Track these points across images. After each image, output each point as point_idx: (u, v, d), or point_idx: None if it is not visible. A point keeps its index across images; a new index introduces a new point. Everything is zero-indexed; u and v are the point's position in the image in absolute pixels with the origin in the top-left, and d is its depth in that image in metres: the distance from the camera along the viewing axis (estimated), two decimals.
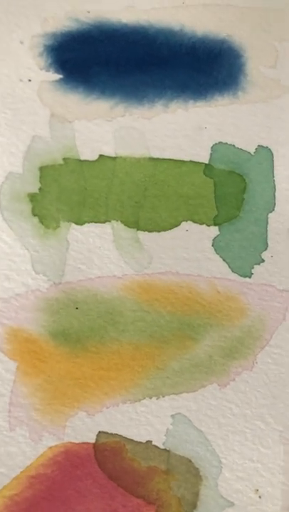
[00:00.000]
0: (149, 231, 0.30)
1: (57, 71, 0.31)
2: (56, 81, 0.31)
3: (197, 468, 0.28)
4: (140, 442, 0.28)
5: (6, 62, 0.31)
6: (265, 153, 0.31)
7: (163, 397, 0.28)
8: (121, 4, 0.32)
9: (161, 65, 0.32)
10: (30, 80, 0.31)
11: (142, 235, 0.30)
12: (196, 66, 0.32)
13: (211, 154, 0.31)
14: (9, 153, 0.30)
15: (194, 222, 0.30)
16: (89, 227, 0.30)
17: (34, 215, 0.29)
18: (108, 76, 0.31)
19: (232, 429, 0.28)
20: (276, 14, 0.33)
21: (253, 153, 0.31)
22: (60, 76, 0.31)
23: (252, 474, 0.28)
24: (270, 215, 0.30)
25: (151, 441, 0.28)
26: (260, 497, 0.28)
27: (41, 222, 0.29)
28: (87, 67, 0.31)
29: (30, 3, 0.32)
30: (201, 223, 0.30)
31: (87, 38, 0.32)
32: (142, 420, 0.28)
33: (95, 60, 0.32)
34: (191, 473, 0.28)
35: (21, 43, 0.31)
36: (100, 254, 0.29)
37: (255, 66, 0.32)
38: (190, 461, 0.28)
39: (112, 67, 0.31)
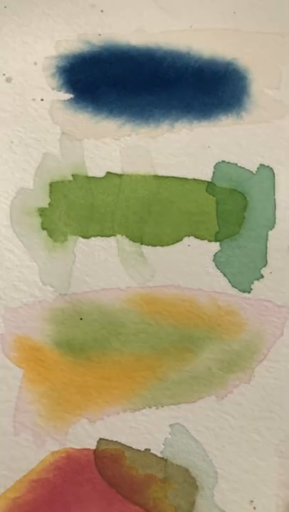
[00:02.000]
0: (153, 245, 0.31)
1: (68, 91, 0.33)
2: (67, 101, 0.33)
3: (194, 478, 0.28)
4: (139, 450, 0.28)
5: (20, 82, 0.33)
6: (266, 173, 0.32)
7: (162, 407, 0.29)
8: (130, 27, 0.34)
9: (167, 86, 0.33)
10: (42, 100, 0.32)
11: (146, 249, 0.31)
12: (202, 87, 0.33)
13: (213, 172, 0.32)
14: (21, 170, 0.31)
15: (196, 237, 0.31)
16: (95, 241, 0.31)
17: (43, 228, 0.31)
18: (116, 96, 0.33)
19: (229, 441, 0.29)
20: (280, 38, 0.34)
21: (254, 172, 0.32)
22: (71, 96, 0.33)
23: (247, 486, 0.28)
24: (270, 232, 0.31)
25: (149, 450, 0.29)
26: (254, 508, 0.28)
27: (50, 235, 0.31)
28: (96, 87, 0.33)
29: (44, 25, 0.33)
30: (203, 239, 0.31)
31: (98, 59, 0.33)
32: (141, 429, 0.29)
33: (104, 81, 0.33)
34: (188, 482, 0.28)
35: (35, 63, 0.33)
36: (105, 267, 0.30)
37: (259, 87, 0.33)
38: (187, 470, 0.29)
39: (120, 88, 0.33)
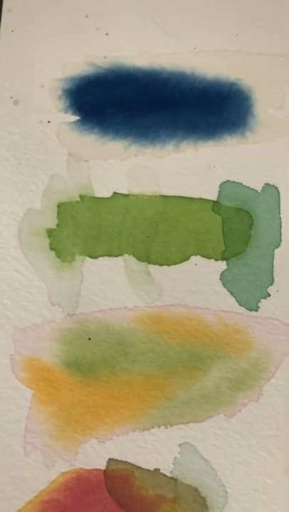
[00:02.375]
0: (160, 265, 0.31)
1: (74, 113, 0.33)
2: (73, 122, 0.33)
3: (204, 498, 0.28)
4: (148, 470, 0.29)
5: (27, 104, 0.33)
6: (271, 191, 0.32)
7: (171, 426, 0.29)
8: (135, 50, 0.34)
9: (172, 106, 0.34)
10: (49, 122, 0.33)
11: (153, 269, 0.31)
12: (206, 108, 0.34)
13: (219, 192, 0.32)
14: (29, 191, 0.32)
15: (203, 256, 0.31)
16: (102, 261, 0.31)
17: (51, 249, 0.31)
18: (122, 118, 0.33)
19: (238, 460, 0.29)
20: (283, 59, 0.34)
21: (259, 191, 0.32)
22: (78, 118, 0.33)
23: (257, 505, 0.28)
24: (276, 250, 0.31)
25: (159, 470, 0.29)
26: None
27: (58, 256, 0.31)
28: (102, 109, 0.33)
29: (51, 49, 0.34)
30: (210, 258, 0.31)
31: (103, 81, 0.34)
32: (150, 448, 0.29)
33: (110, 103, 0.34)
34: (198, 502, 0.28)
35: (42, 86, 0.34)
36: (113, 286, 0.31)
37: (263, 107, 0.34)
38: (197, 490, 0.29)
39: (126, 110, 0.33)
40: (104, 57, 0.34)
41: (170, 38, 0.35)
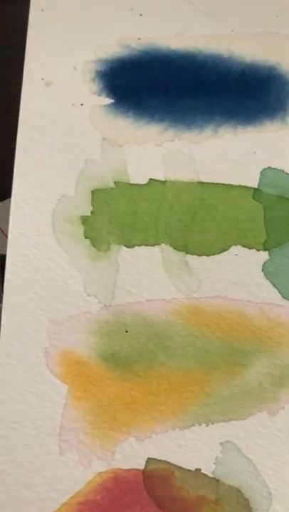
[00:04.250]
0: (198, 255, 0.30)
1: (108, 96, 0.32)
2: (107, 105, 0.32)
3: (247, 499, 0.27)
4: (189, 470, 0.27)
5: (58, 86, 0.32)
6: None
7: (212, 424, 0.28)
8: (170, 31, 0.33)
9: (209, 90, 0.32)
10: (82, 105, 0.31)
11: (191, 259, 0.30)
12: (245, 92, 0.32)
13: (260, 179, 0.31)
14: (62, 177, 0.30)
15: (244, 246, 0.30)
16: (139, 250, 0.30)
17: (86, 237, 0.29)
18: (158, 101, 0.32)
19: (282, 459, 0.28)
20: None
21: None
22: (112, 101, 0.32)
23: None
24: None
25: (200, 469, 0.27)
26: None
27: (93, 244, 0.29)
28: (137, 92, 0.32)
29: (83, 30, 0.33)
30: (251, 248, 0.30)
31: (138, 64, 0.32)
32: (190, 447, 0.27)
33: (145, 86, 0.32)
34: (241, 504, 0.27)
35: (74, 68, 0.32)
36: (149, 277, 0.29)
37: None
38: (240, 491, 0.27)
39: (162, 93, 0.32)
40: (139, 39, 0.33)
41: (207, 20, 0.33)
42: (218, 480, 0.27)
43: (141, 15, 0.33)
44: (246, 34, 0.33)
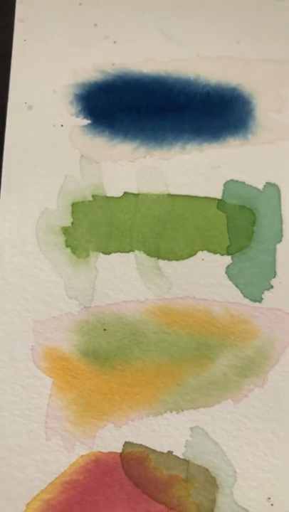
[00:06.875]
0: (169, 260, 0.33)
1: (85, 117, 0.35)
2: (85, 126, 0.35)
3: (214, 478, 0.30)
4: (162, 452, 0.30)
5: (40, 109, 0.35)
6: (272, 190, 0.34)
7: (182, 411, 0.31)
8: (142, 56, 0.36)
9: (178, 111, 0.35)
10: (62, 126, 0.35)
11: (163, 263, 0.33)
12: (210, 111, 0.36)
13: (223, 191, 0.34)
14: (45, 191, 0.33)
15: (209, 251, 0.33)
16: (115, 257, 0.33)
17: (67, 246, 0.33)
18: (131, 121, 0.35)
19: (246, 442, 0.31)
20: (281, 65, 0.36)
21: (261, 190, 0.34)
22: (89, 121, 0.35)
23: (264, 483, 0.30)
24: (278, 245, 0.33)
25: (172, 452, 0.30)
26: (272, 505, 0.30)
27: (73, 252, 0.33)
28: (112, 113, 0.35)
29: (61, 56, 0.36)
30: (215, 253, 0.33)
31: (112, 87, 0.36)
32: (163, 432, 0.31)
33: (119, 107, 0.35)
34: (209, 481, 0.30)
35: (54, 92, 0.35)
36: (125, 280, 0.33)
37: (264, 111, 0.36)
38: (207, 470, 0.30)
39: (134, 114, 0.35)
40: (113, 64, 0.36)
41: (175, 46, 0.36)
42: (188, 461, 0.30)
43: (115, 42, 0.36)
44: (211, 58, 0.36)
